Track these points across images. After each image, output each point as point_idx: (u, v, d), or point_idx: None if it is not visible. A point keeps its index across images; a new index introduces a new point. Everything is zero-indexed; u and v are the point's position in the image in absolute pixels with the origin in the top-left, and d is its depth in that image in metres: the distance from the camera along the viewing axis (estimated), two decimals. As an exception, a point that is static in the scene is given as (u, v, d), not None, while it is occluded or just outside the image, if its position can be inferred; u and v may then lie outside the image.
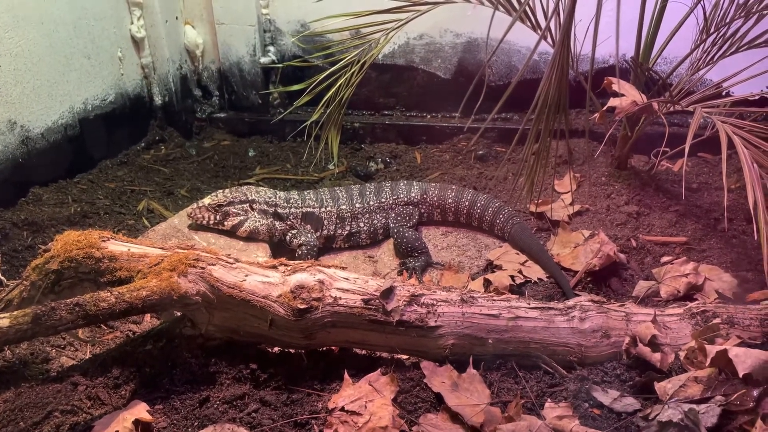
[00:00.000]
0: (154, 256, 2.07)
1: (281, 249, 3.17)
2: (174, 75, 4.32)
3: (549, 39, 2.86)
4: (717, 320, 2.10)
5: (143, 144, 4.19)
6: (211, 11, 4.29)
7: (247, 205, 3.06)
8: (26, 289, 2.03)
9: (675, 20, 3.01)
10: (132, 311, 1.93)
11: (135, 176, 3.83)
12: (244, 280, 2.06)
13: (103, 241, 2.09)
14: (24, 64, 3.27)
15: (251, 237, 3.08)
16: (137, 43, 4.09)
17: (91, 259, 2.03)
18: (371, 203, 3.20)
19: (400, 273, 2.96)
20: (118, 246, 2.10)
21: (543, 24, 2.98)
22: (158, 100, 4.29)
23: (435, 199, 3.24)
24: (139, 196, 3.63)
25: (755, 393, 1.80)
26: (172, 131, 4.37)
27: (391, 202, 3.22)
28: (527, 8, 2.95)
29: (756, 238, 2.11)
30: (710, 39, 2.93)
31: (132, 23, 4.03)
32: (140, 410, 1.91)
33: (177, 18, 4.28)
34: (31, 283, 2.03)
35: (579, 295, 2.47)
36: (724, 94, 3.20)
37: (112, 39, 3.89)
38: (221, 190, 3.13)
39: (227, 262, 2.10)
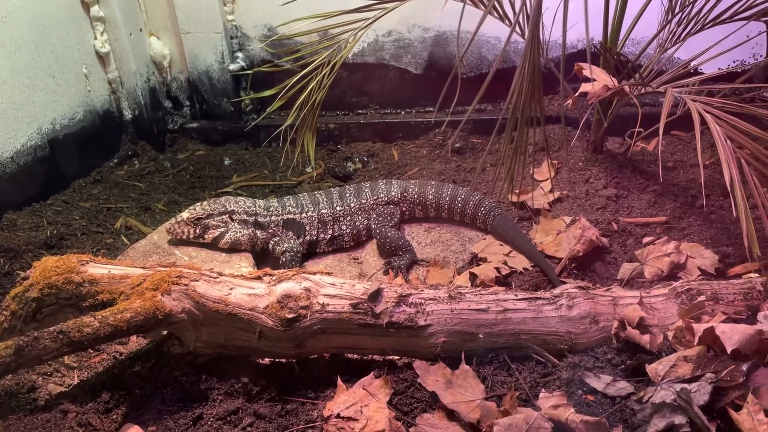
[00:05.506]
0: (135, 276, 2.04)
1: (265, 258, 3.14)
2: (142, 88, 4.26)
3: (518, 29, 2.86)
4: (702, 297, 2.13)
5: (116, 160, 4.12)
6: (175, 21, 4.23)
7: (227, 216, 3.02)
8: (7, 319, 2.00)
9: (641, 1, 3.03)
10: (117, 334, 1.91)
11: (110, 194, 3.77)
12: (230, 294, 2.04)
13: (83, 264, 2.05)
14: (-13, 88, 3.21)
15: (233, 248, 3.05)
16: (102, 59, 4.02)
17: (71, 284, 2.00)
18: (352, 205, 3.19)
19: (385, 273, 2.95)
20: (98, 269, 2.07)
21: (510, 13, 2.99)
22: (128, 114, 4.23)
23: (415, 196, 3.24)
24: (115, 213, 3.57)
25: (744, 368, 1.82)
26: (145, 145, 4.30)
27: (371, 202, 3.21)
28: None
29: (735, 214, 2.14)
30: (675, 19, 2.96)
31: (95, 39, 3.95)
32: (133, 434, 1.89)
33: (141, 30, 4.21)
34: (12, 312, 1.99)
35: (565, 283, 2.48)
36: (692, 72, 3.23)
37: (76, 56, 3.82)
38: (199, 203, 3.09)
39: (210, 277, 2.08)
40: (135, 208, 3.64)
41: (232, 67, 4.32)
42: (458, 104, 2.49)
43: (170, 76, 4.47)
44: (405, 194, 3.24)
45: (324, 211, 3.16)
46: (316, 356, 2.22)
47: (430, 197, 3.22)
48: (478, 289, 2.22)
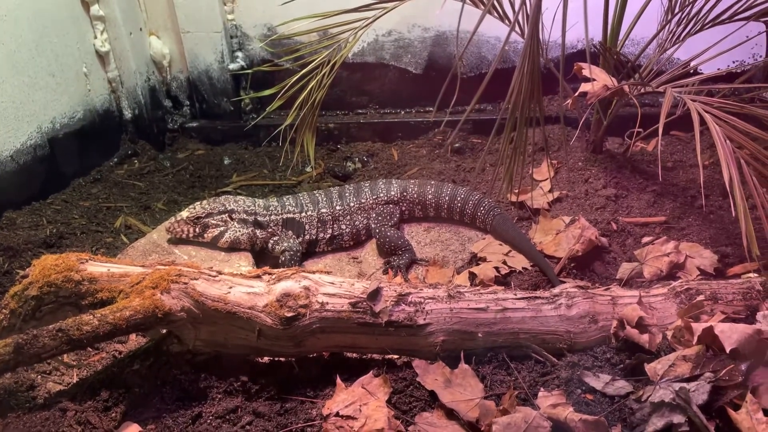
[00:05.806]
0: (135, 274, 2.04)
1: (264, 257, 3.14)
2: (142, 87, 4.26)
3: (517, 28, 2.86)
4: (701, 297, 2.13)
5: (116, 159, 4.12)
6: (175, 20, 4.23)
7: (226, 215, 3.02)
8: (6, 317, 1.99)
9: (640, 1, 3.04)
10: (116, 333, 1.91)
11: (110, 193, 3.77)
12: (229, 293, 2.04)
13: (82, 263, 2.05)
14: (-13, 86, 3.21)
15: (233, 247, 3.05)
16: (102, 58, 4.02)
17: (70, 283, 2.00)
18: (351, 204, 3.19)
19: (385, 272, 2.95)
20: (97, 267, 2.06)
21: (509, 13, 2.99)
22: (128, 113, 4.23)
23: (415, 195, 3.24)
24: (115, 212, 3.57)
25: (743, 367, 1.83)
26: (145, 144, 4.30)
27: (371, 202, 3.21)
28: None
29: (734, 214, 2.14)
30: (675, 19, 2.96)
31: (95, 38, 3.95)
32: (132, 432, 1.89)
33: (141, 29, 4.21)
34: (11, 311, 1.99)
35: (564, 282, 2.48)
36: (692, 72, 3.23)
37: (76, 55, 3.81)
38: (199, 202, 3.09)
39: (210, 276, 2.08)
40: (135, 207, 3.64)
41: (232, 66, 4.32)
42: (458, 104, 2.49)
43: (170, 76, 4.47)
44: (404, 194, 3.24)
45: (323, 210, 3.16)
46: (315, 355, 2.22)
47: (430, 197, 3.22)
48: (478, 288, 2.22)
